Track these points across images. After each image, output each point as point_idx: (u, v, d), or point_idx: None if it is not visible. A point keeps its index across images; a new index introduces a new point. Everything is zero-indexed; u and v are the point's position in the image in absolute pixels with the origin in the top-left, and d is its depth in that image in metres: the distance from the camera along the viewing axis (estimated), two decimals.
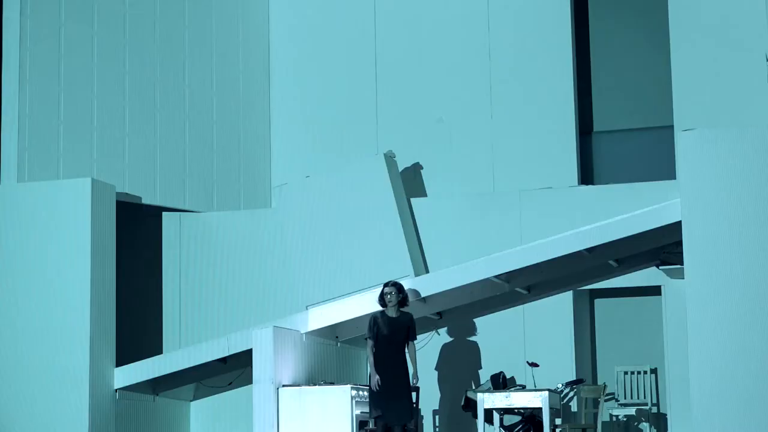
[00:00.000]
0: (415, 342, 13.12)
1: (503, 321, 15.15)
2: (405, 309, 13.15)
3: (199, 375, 15.24)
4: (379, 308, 13.20)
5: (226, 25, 16.60)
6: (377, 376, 12.81)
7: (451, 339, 15.26)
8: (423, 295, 14.50)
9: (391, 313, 13.03)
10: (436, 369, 15.20)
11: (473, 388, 14.69)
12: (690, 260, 12.58)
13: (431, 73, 16.20)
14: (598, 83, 16.09)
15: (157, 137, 15.91)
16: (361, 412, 13.67)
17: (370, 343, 13.02)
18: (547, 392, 13.55)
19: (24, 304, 14.27)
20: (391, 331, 12.95)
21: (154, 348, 15.67)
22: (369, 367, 13.01)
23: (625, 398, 14.87)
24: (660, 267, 14.55)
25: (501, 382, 14.40)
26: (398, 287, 13.05)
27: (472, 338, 15.21)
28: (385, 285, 13.13)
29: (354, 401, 13.68)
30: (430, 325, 15.28)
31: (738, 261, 12.42)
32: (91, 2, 15.62)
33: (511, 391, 13.87)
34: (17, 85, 15.01)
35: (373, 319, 13.08)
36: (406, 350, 13.01)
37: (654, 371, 14.96)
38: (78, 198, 14.32)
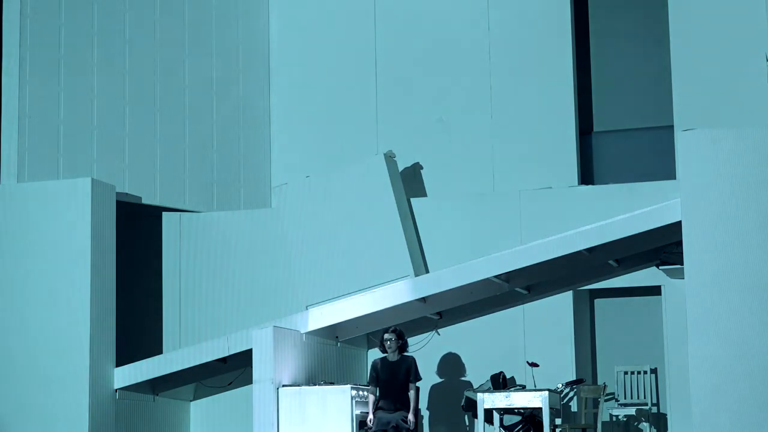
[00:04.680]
0: (417, 384, 13.42)
1: (503, 321, 15.15)
2: (407, 353, 13.47)
3: (199, 375, 15.25)
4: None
5: (226, 25, 16.60)
6: (372, 418, 13.20)
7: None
8: (423, 295, 14.53)
9: (392, 357, 13.39)
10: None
11: (473, 388, 14.70)
12: (690, 260, 12.59)
13: (431, 73, 16.19)
14: (598, 83, 16.09)
15: (157, 137, 15.91)
16: (361, 412, 13.69)
17: (370, 389, 13.39)
18: (547, 392, 13.56)
19: (24, 305, 14.27)
20: (391, 376, 13.29)
21: (154, 348, 15.68)
22: (369, 412, 13.39)
23: (625, 398, 14.87)
24: (660, 267, 14.56)
25: (501, 382, 14.40)
26: (398, 333, 13.40)
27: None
28: (385, 331, 13.45)
29: (354, 401, 13.69)
30: (430, 325, 15.30)
31: (738, 261, 12.43)
32: (91, 2, 15.61)
33: (511, 391, 13.88)
34: (17, 85, 15.01)
35: (373, 365, 13.49)
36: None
37: (654, 371, 14.96)
38: (78, 198, 14.33)
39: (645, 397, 14.85)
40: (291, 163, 16.51)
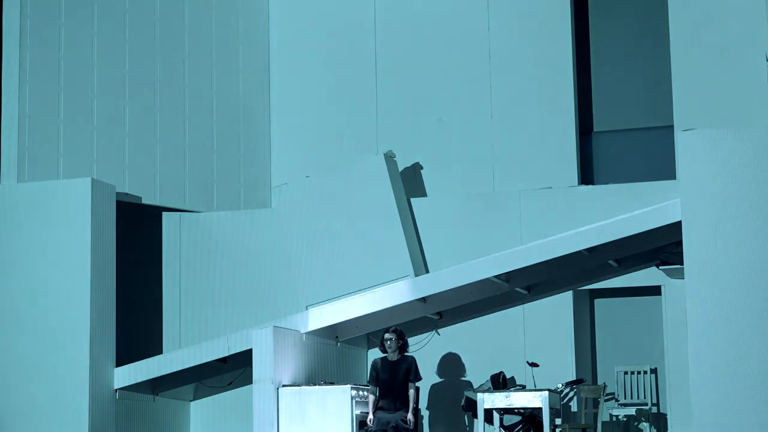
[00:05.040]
0: (417, 383, 13.48)
1: (503, 321, 15.15)
2: (407, 353, 13.53)
3: (199, 375, 15.25)
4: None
5: (226, 25, 16.60)
6: (372, 417, 13.25)
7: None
8: (423, 295, 14.53)
9: (392, 357, 13.44)
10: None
11: (473, 388, 14.70)
12: (690, 260, 12.60)
13: (431, 73, 16.19)
14: (598, 83, 16.09)
15: (157, 137, 15.91)
16: (361, 412, 13.69)
17: (370, 388, 13.43)
18: (547, 392, 13.56)
19: (24, 304, 14.27)
20: (390, 375, 13.35)
21: (154, 348, 15.68)
22: (369, 412, 13.45)
23: (625, 398, 14.87)
24: (660, 267, 14.56)
25: (501, 382, 14.40)
26: (398, 333, 13.46)
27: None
28: (386, 331, 13.50)
29: (354, 401, 13.70)
30: (430, 325, 15.30)
31: (738, 261, 12.44)
32: (91, 2, 15.61)
33: (511, 391, 13.88)
34: (17, 85, 15.01)
35: (374, 364, 13.54)
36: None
37: (654, 371, 14.96)
38: (78, 198, 14.33)
39: (645, 397, 14.85)
40: (291, 163, 16.51)
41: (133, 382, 14.58)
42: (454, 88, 16.09)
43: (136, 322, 15.73)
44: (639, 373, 14.93)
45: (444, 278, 14.40)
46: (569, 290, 15.03)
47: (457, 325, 15.31)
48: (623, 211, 14.12)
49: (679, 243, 12.91)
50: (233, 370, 15.22)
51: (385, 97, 16.32)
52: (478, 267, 14.25)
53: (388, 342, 13.38)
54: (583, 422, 14.19)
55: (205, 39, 16.44)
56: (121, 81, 15.73)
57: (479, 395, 13.89)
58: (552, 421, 13.65)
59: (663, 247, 14.32)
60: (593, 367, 15.35)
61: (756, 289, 12.38)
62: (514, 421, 14.43)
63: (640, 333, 15.24)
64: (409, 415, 13.19)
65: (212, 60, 16.45)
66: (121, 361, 14.59)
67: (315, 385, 13.96)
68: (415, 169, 16.06)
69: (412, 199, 15.70)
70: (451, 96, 16.09)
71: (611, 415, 14.73)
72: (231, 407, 15.57)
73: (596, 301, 15.51)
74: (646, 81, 15.90)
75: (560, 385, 14.36)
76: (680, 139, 12.96)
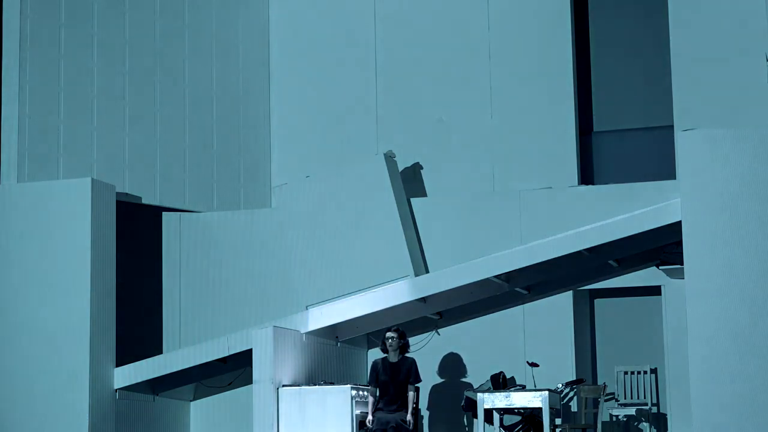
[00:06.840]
0: (417, 384, 13.51)
1: (503, 321, 15.15)
2: (408, 354, 13.56)
3: (199, 375, 15.25)
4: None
5: (225, 25, 16.60)
6: (372, 417, 13.27)
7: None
8: (423, 295, 14.53)
9: (392, 358, 13.47)
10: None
11: (473, 388, 14.71)
12: (690, 260, 12.60)
13: (431, 73, 16.19)
14: (598, 83, 16.09)
15: (157, 137, 15.91)
16: (361, 412, 13.70)
17: (370, 389, 13.45)
18: (547, 392, 13.57)
19: (24, 304, 14.27)
20: (390, 376, 13.38)
21: (154, 348, 15.68)
22: (369, 412, 13.48)
23: (625, 398, 14.87)
24: (660, 267, 14.56)
25: (501, 382, 14.40)
26: (400, 333, 13.51)
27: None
28: (387, 330, 13.52)
29: (354, 401, 13.70)
30: (430, 325, 15.30)
31: (738, 261, 12.44)
32: (91, 2, 15.61)
33: (511, 391, 13.88)
34: (17, 85, 15.01)
35: (374, 365, 13.56)
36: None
37: (654, 371, 14.96)
38: (78, 198, 14.33)
39: (645, 397, 14.85)
40: (291, 163, 16.51)
41: (133, 382, 14.58)
42: (454, 88, 16.09)
43: (136, 322, 15.72)
44: (639, 373, 14.93)
45: (444, 278, 14.40)
46: (569, 290, 15.03)
47: (457, 325, 15.31)
48: (623, 211, 14.12)
49: (679, 243, 12.92)
50: (233, 370, 15.22)
51: (385, 97, 16.32)
52: (478, 267, 14.26)
53: (390, 341, 13.40)
54: (583, 422, 14.19)
55: (205, 38, 16.44)
56: (121, 81, 15.73)
57: (479, 395, 13.89)
58: (552, 421, 13.65)
59: (663, 247, 14.33)
60: (593, 367, 15.35)
61: (756, 289, 12.39)
62: (514, 421, 14.44)
63: (640, 333, 15.24)
64: (408, 416, 13.19)
65: (212, 59, 16.46)
66: (121, 361, 14.59)
67: (315, 385, 13.96)
68: (415, 169, 16.06)
69: (412, 199, 15.70)
70: (451, 96, 16.09)
71: (611, 415, 14.73)
72: (231, 407, 15.57)
73: (596, 301, 15.51)
74: (646, 81, 15.90)
75: (560, 385, 14.37)
76: (680, 139, 12.98)
